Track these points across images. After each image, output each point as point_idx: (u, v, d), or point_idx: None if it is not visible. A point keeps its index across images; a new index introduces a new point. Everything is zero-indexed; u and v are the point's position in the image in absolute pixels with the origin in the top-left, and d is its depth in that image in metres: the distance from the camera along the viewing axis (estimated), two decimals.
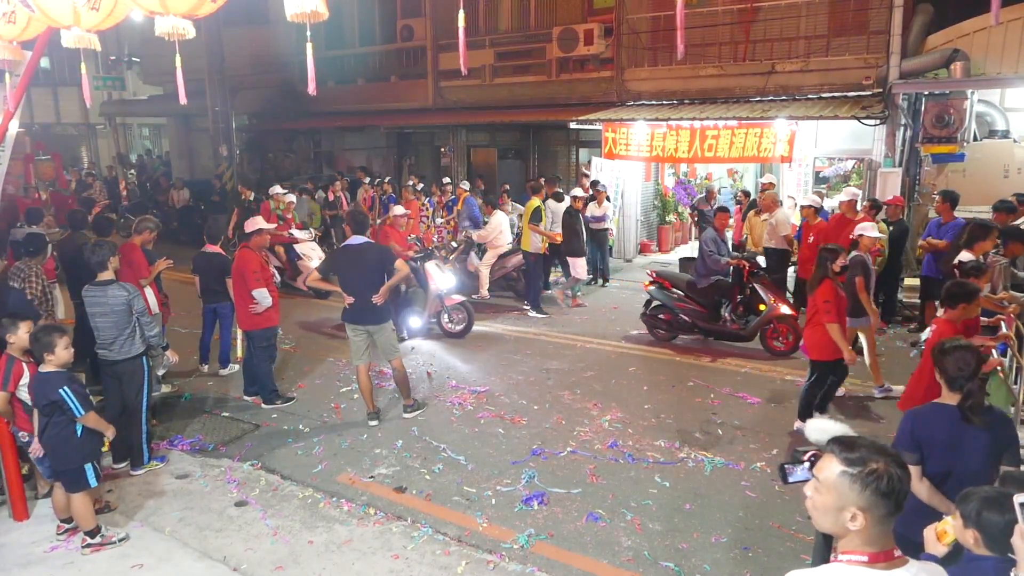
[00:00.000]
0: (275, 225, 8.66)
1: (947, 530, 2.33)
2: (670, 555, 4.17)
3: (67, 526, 4.43)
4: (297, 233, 10.86)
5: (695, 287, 8.03)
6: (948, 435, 2.90)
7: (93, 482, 4.27)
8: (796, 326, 7.62)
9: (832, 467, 1.72)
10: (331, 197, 13.56)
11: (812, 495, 1.79)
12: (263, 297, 6.33)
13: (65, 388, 4.06)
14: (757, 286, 7.85)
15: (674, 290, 8.20)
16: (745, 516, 4.57)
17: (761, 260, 7.99)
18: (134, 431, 5.23)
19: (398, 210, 8.88)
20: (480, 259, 10.44)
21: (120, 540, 4.32)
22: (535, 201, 9.71)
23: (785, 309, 7.67)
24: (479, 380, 7.18)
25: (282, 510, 4.73)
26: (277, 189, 11.55)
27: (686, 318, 8.07)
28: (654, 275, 8.53)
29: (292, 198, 11.46)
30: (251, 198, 13.10)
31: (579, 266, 9.97)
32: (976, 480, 2.77)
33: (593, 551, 4.23)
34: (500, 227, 10.15)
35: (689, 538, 4.34)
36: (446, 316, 8.63)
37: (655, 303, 8.39)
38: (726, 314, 8.01)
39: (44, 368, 4.15)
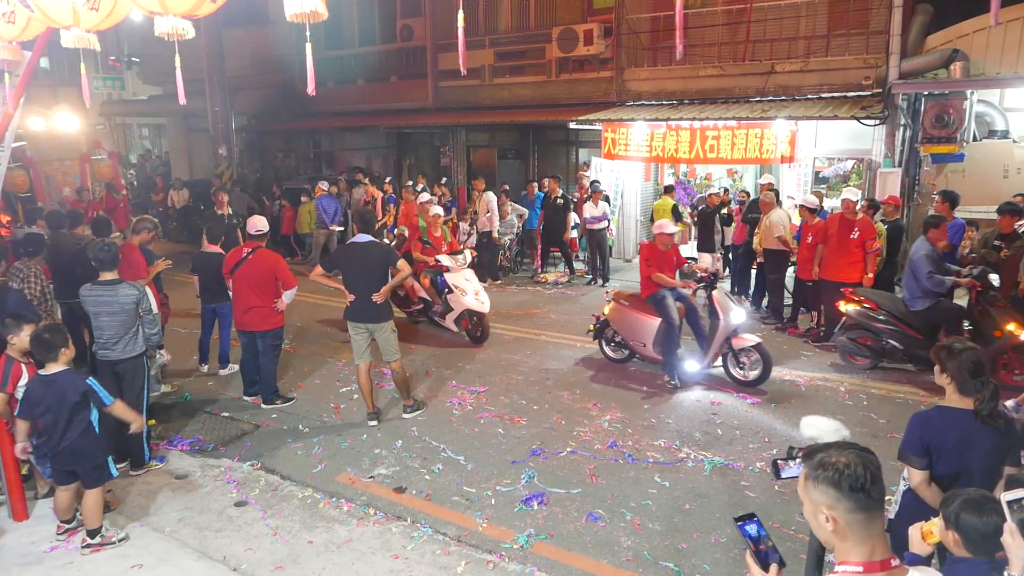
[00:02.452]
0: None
1: (932, 531, 2.33)
2: (670, 555, 4.17)
3: (67, 526, 4.43)
4: (444, 260, 8.47)
5: (908, 309, 6.98)
6: (959, 438, 2.88)
7: (115, 472, 4.37)
8: None
9: (801, 477, 1.76)
10: (367, 197, 13.30)
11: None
12: (292, 296, 6.44)
13: (92, 379, 4.15)
14: (991, 308, 6.66)
15: (880, 312, 7.08)
16: None
17: (994, 278, 6.79)
18: (136, 433, 5.23)
19: (668, 227, 7.03)
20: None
21: (120, 540, 4.32)
22: (669, 200, 10.96)
23: None
24: (479, 380, 7.18)
25: (282, 510, 4.73)
26: (425, 197, 9.35)
27: (896, 344, 6.97)
28: (854, 294, 7.38)
29: (440, 210, 9.21)
30: (229, 212, 10.52)
31: (705, 261, 10.27)
32: (984, 481, 2.77)
33: (593, 551, 4.23)
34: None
35: (689, 538, 4.35)
36: (734, 359, 6.89)
37: (853, 326, 7.24)
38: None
39: (53, 368, 4.12)
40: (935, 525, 2.32)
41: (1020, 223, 7.30)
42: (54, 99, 22.40)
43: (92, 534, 4.27)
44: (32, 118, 13.92)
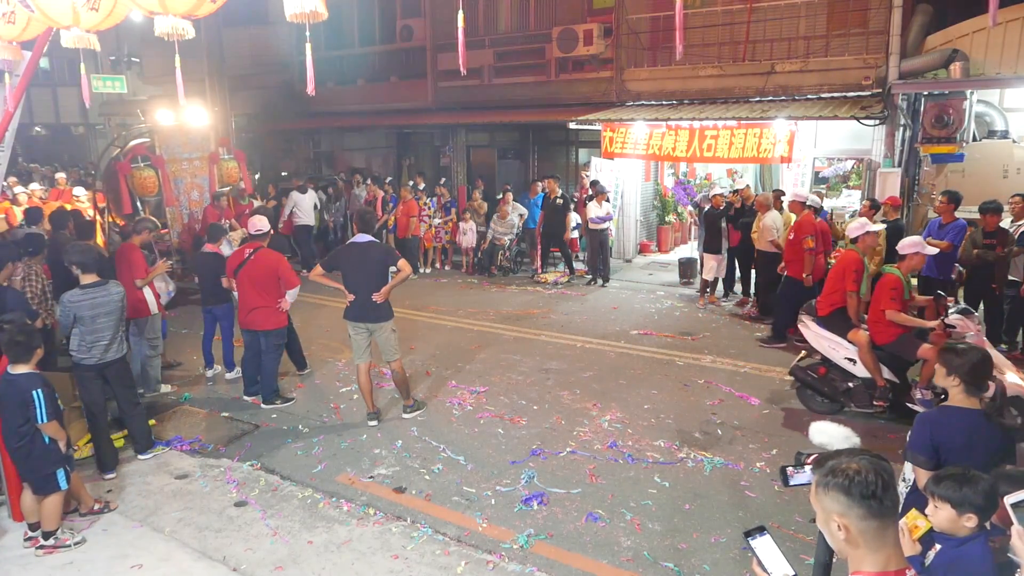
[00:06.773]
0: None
1: (918, 524, 2.32)
2: (670, 555, 4.17)
3: (32, 533, 4.34)
4: (963, 322, 5.25)
5: None
6: (966, 438, 2.90)
7: (63, 485, 4.26)
8: None
9: (812, 484, 1.75)
10: (370, 197, 13.14)
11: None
12: (295, 295, 6.48)
13: (38, 391, 4.06)
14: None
15: None
16: (745, 516, 4.57)
17: None
18: (138, 421, 5.40)
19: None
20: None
21: (75, 544, 4.30)
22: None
23: None
24: (479, 380, 7.18)
25: (282, 510, 4.73)
26: (872, 226, 6.02)
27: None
28: None
29: (918, 242, 5.52)
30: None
31: (709, 262, 10.14)
32: None
33: (593, 551, 4.23)
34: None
35: (689, 538, 4.35)
36: None
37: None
38: None
39: (21, 369, 4.12)
40: (920, 518, 2.32)
41: (1020, 223, 7.34)
42: (54, 99, 22.41)
43: (46, 536, 4.26)
44: (160, 110, 12.08)
